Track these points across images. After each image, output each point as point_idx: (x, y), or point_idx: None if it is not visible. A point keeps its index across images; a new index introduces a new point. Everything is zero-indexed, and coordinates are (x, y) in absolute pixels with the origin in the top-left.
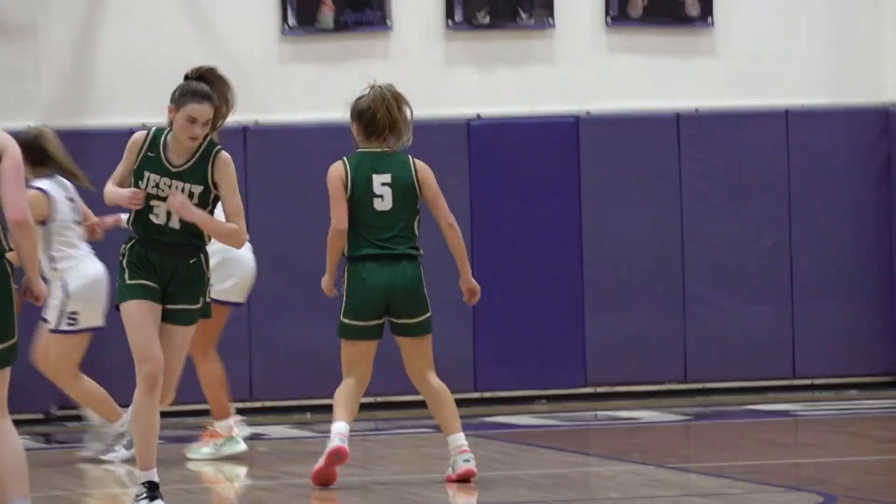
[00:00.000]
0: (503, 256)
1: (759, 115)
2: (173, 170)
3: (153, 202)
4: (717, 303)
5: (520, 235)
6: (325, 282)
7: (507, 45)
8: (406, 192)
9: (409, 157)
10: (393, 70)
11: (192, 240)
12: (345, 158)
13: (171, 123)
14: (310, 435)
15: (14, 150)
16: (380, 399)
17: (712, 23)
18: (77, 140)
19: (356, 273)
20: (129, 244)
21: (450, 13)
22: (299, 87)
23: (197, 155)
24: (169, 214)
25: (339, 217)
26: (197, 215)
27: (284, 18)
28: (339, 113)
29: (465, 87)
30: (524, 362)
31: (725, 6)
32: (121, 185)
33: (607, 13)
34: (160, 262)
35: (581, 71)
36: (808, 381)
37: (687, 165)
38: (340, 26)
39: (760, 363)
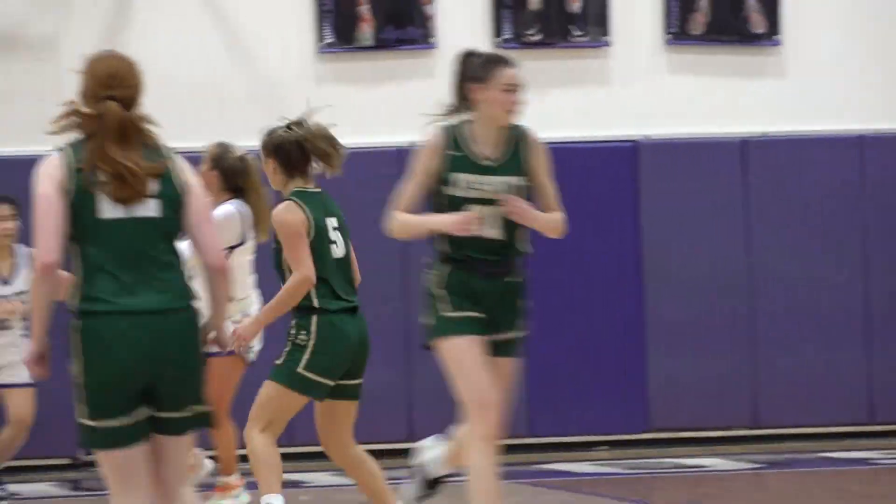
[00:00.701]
0: (558, 291)
1: (831, 139)
2: (488, 164)
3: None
4: (789, 341)
5: (576, 268)
6: (249, 332)
7: (559, 65)
8: (346, 234)
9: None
10: (437, 90)
11: (515, 251)
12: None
13: (463, 107)
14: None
15: (199, 187)
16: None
17: (780, 41)
18: None
19: (330, 324)
20: (442, 267)
21: (498, 30)
22: (337, 109)
23: (508, 140)
24: (492, 222)
25: (308, 265)
26: (538, 218)
27: (321, 35)
28: (380, 136)
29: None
30: (582, 405)
31: (794, 23)
32: (411, 206)
33: (667, 31)
34: (484, 286)
35: (639, 92)
36: (887, 427)
37: (753, 193)
38: (381, 44)
39: (836, 407)
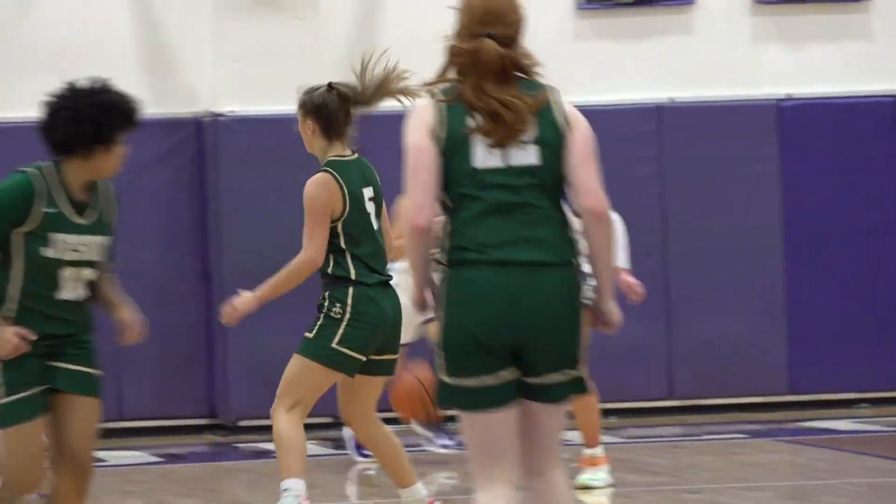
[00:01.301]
0: (818, 247)
1: None
2: None
3: None
4: None
5: (836, 224)
6: (247, 305)
7: (819, 19)
8: (380, 204)
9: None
10: (696, 47)
11: None
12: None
13: None
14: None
15: (586, 127)
16: (688, 402)
17: None
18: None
19: (367, 297)
20: None
21: None
22: (597, 66)
23: None
24: None
25: (319, 248)
26: None
27: None
28: (639, 93)
29: (774, 64)
30: (844, 362)
31: None
32: None
33: None
34: None
35: None
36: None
37: None
38: (640, 0)
39: None
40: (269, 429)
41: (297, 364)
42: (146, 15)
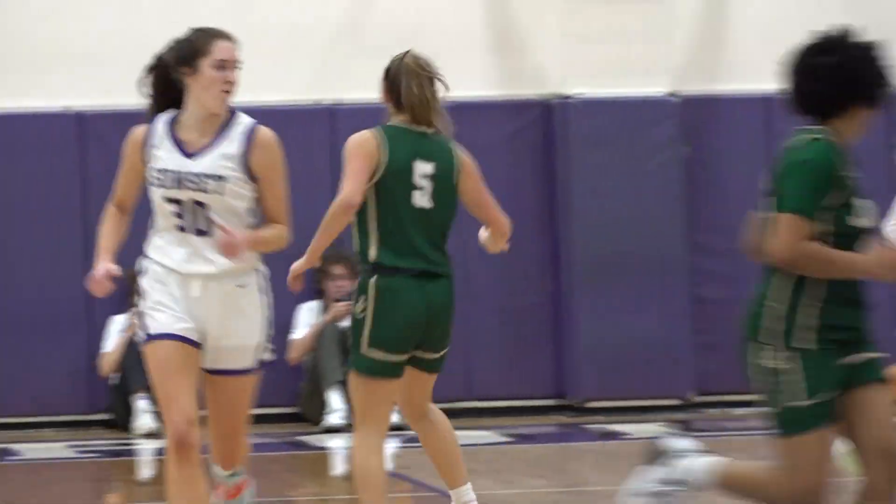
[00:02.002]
0: None
1: None
2: None
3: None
4: None
5: None
6: (300, 266)
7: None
8: (452, 189)
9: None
10: None
11: None
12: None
13: None
14: None
15: None
16: None
17: None
18: (707, 106)
19: (388, 288)
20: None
21: None
22: None
23: None
24: None
25: (353, 188)
26: None
27: None
28: None
29: None
30: None
31: None
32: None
33: None
34: None
35: None
36: None
37: None
38: None
39: None
40: (618, 410)
41: (351, 380)
42: None
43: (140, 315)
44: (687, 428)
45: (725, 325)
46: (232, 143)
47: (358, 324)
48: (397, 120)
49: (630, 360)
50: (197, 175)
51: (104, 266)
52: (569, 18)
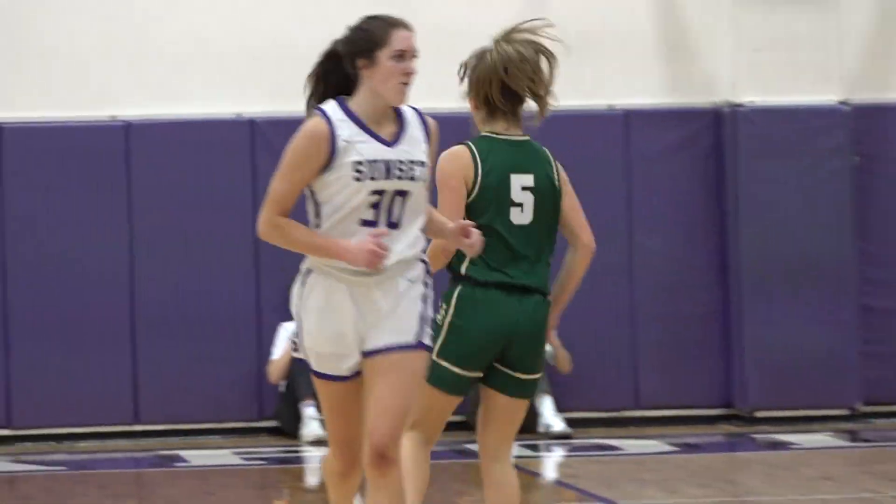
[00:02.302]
0: None
1: None
2: None
3: None
4: None
5: None
6: None
7: None
8: (552, 202)
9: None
10: None
11: None
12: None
13: None
14: None
15: None
16: None
17: None
18: (878, 115)
19: (471, 299)
20: None
21: None
22: None
23: None
24: None
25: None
26: None
27: None
28: None
29: None
30: None
31: None
32: None
33: None
34: None
35: None
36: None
37: None
38: None
39: None
40: (785, 420)
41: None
42: (665, 3)
43: (299, 337)
44: (854, 438)
45: (894, 335)
46: (415, 129)
47: (436, 331)
48: (489, 129)
49: (798, 370)
50: (404, 162)
51: (370, 237)
52: (739, 26)
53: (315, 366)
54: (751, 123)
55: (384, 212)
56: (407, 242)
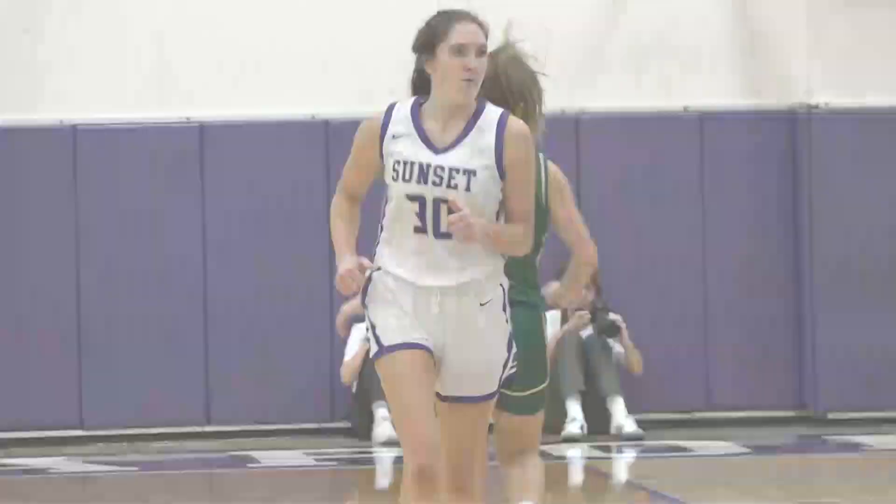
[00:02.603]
0: None
1: None
2: None
3: None
4: None
5: None
6: None
7: None
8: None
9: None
10: None
11: None
12: None
13: None
14: None
15: None
16: None
17: None
18: None
19: None
20: None
21: None
22: None
23: None
24: None
25: None
26: None
27: None
28: None
29: None
30: None
31: None
32: None
33: None
34: None
35: None
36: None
37: None
38: None
39: None
40: (860, 422)
41: None
42: (740, 4)
43: (370, 330)
44: None
45: None
46: (484, 135)
47: None
48: None
49: (872, 372)
50: (444, 169)
51: (352, 259)
52: (817, 28)
53: (384, 340)
54: (827, 125)
55: (430, 220)
56: (467, 260)
